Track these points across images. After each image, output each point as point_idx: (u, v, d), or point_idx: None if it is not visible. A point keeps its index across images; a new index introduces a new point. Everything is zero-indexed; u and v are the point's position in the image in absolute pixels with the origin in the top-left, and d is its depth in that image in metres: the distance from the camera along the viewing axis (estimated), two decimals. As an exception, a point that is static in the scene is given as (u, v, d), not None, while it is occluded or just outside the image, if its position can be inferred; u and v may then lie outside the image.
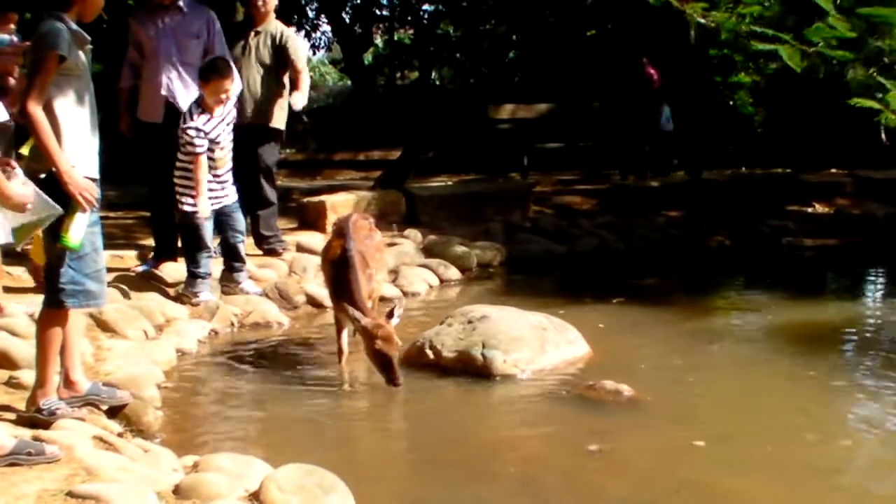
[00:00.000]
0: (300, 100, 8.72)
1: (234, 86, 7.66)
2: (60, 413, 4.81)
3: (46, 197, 4.43)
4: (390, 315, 6.26)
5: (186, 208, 7.54)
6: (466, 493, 4.64)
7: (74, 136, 4.69)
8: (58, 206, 4.48)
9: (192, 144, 7.43)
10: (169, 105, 8.03)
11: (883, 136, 14.28)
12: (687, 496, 4.59)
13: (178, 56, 8.05)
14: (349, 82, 25.66)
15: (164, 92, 8.03)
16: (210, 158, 7.53)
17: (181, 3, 8.08)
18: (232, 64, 7.76)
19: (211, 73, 7.53)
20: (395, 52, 25.13)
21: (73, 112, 4.70)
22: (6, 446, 4.23)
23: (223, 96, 7.50)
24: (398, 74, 25.73)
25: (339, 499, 4.13)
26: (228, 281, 7.94)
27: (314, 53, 26.27)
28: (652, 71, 15.22)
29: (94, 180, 4.75)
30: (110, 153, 10.70)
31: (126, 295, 7.43)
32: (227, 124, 7.65)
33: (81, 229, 4.66)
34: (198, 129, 7.42)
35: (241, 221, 7.92)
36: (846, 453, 5.31)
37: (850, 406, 6.09)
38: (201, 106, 7.52)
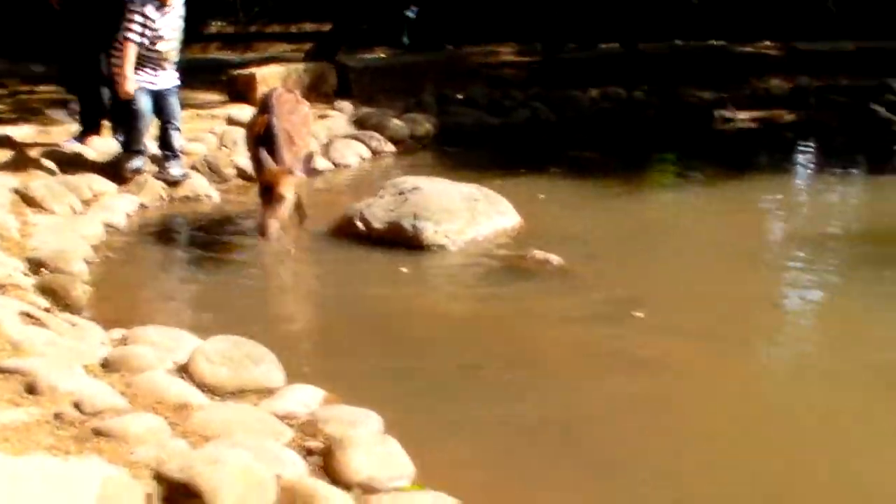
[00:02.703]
0: None
1: None
2: None
3: None
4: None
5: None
6: (395, 363, 4.67)
7: None
8: None
9: (129, 29, 7.22)
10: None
11: (830, 2, 14.28)
12: (619, 364, 4.65)
13: None
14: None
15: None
16: (154, 51, 7.33)
17: None
18: None
19: None
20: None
21: None
22: None
23: None
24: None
25: (267, 368, 4.14)
26: (158, 166, 7.77)
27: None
28: None
29: None
30: (38, 29, 10.46)
31: (52, 171, 7.32)
32: (178, 17, 7.46)
33: None
34: (144, 17, 7.23)
35: (176, 107, 7.67)
36: (777, 322, 5.41)
37: (781, 276, 6.19)
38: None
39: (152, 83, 7.44)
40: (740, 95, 13.28)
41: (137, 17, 7.23)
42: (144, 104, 7.42)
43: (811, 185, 9.24)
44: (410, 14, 15.27)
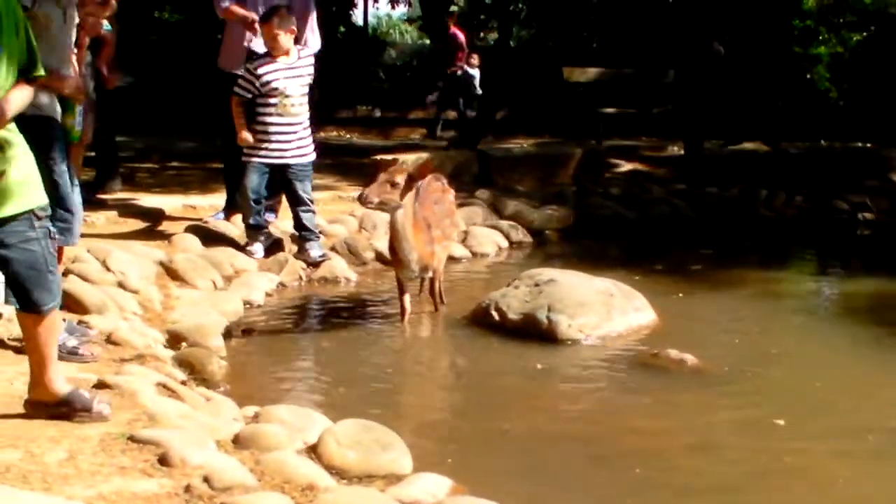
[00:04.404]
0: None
1: (286, 34, 7.49)
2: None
3: None
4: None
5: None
6: (523, 457, 4.61)
7: None
8: None
9: (237, 84, 7.51)
10: (250, 56, 7.98)
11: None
12: (756, 470, 4.50)
13: (263, 8, 7.98)
14: (428, 41, 25.61)
15: (245, 43, 7.99)
16: (270, 105, 7.49)
17: None
18: (284, 11, 7.55)
19: (261, 19, 7.61)
20: (475, 11, 24.96)
21: None
22: (61, 392, 4.19)
23: (271, 41, 7.44)
24: (480, 35, 25.55)
25: (396, 455, 4.13)
26: (298, 247, 7.87)
27: (393, 8, 26.17)
28: (456, 31, 14.93)
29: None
30: (190, 106, 10.85)
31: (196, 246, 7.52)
32: (298, 77, 7.55)
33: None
34: (248, 71, 7.49)
35: (302, 193, 7.66)
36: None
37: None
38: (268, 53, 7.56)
39: (281, 156, 7.52)
40: (886, 198, 12.97)
41: (242, 70, 7.53)
42: (252, 181, 7.51)
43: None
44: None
